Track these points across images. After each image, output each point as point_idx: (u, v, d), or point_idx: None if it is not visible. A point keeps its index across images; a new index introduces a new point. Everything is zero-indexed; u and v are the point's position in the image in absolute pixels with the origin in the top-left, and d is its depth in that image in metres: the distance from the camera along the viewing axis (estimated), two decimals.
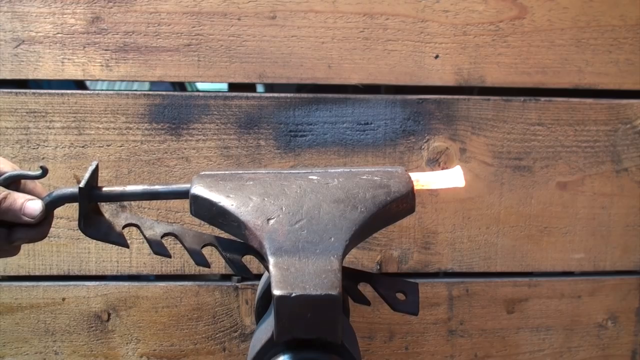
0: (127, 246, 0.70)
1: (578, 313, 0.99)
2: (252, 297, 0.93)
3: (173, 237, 0.71)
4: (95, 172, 0.68)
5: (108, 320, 0.92)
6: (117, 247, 0.90)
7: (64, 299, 0.91)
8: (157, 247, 0.70)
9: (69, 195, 0.67)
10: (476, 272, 0.97)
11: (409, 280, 0.72)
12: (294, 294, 0.54)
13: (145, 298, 0.92)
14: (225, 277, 0.95)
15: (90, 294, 0.92)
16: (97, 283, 0.92)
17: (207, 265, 0.72)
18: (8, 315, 0.91)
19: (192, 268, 0.92)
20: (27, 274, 0.90)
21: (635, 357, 1.02)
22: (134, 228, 0.71)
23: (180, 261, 0.92)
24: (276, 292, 0.55)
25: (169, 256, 0.71)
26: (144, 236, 0.70)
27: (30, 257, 0.90)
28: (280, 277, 0.56)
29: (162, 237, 0.70)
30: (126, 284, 0.92)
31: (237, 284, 0.93)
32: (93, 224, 0.68)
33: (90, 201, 0.67)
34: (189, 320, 0.93)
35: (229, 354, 0.94)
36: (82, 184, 0.65)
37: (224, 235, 0.76)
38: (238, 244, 0.72)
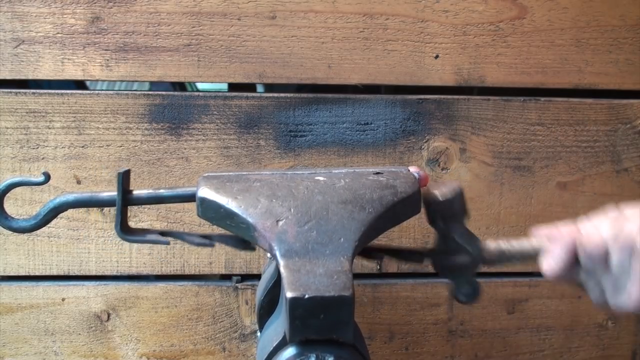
0: (168, 242, 0.69)
1: (578, 313, 0.99)
2: (252, 297, 0.93)
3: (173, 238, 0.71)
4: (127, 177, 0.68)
5: (108, 320, 0.92)
6: (116, 247, 0.90)
7: (63, 299, 0.91)
8: (198, 239, 0.70)
9: (107, 200, 0.67)
10: (476, 272, 0.96)
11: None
12: (307, 296, 0.54)
13: (145, 298, 0.92)
14: (225, 277, 0.95)
15: (90, 294, 0.91)
16: (97, 283, 0.92)
17: (210, 244, 0.71)
18: (8, 315, 0.91)
19: (192, 268, 0.92)
20: (27, 274, 0.90)
21: (635, 357, 1.02)
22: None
23: (180, 261, 0.92)
24: (289, 293, 0.54)
25: (212, 245, 0.70)
26: (182, 238, 0.70)
27: (30, 257, 0.90)
28: (292, 278, 0.56)
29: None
30: (126, 284, 0.92)
31: (237, 284, 0.93)
32: (126, 228, 0.68)
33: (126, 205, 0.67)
34: (188, 321, 0.93)
35: (229, 354, 0.94)
36: (118, 186, 0.65)
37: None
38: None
